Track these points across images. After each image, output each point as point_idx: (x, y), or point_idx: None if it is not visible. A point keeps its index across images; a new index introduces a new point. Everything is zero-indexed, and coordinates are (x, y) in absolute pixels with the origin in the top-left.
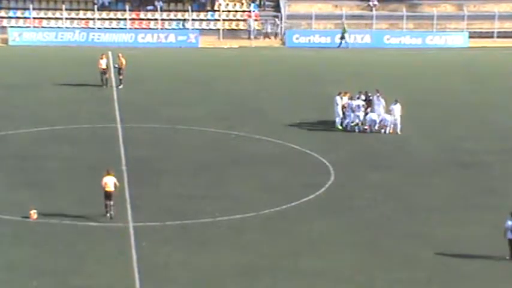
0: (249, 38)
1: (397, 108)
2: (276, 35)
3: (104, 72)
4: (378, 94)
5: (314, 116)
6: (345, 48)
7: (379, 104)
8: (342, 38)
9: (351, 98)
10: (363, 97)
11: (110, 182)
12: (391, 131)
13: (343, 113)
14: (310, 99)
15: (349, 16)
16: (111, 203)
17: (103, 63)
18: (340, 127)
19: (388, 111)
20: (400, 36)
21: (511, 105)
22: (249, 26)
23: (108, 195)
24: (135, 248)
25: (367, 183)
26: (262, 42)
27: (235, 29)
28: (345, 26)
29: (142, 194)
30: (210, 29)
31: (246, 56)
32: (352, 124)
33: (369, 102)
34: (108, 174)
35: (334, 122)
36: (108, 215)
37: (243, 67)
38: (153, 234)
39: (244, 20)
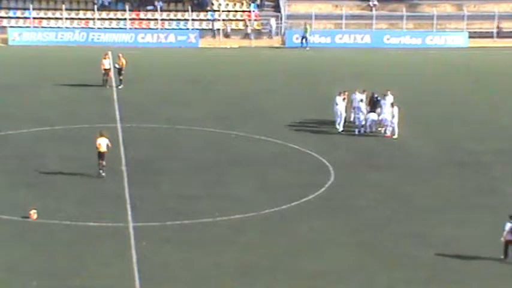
0: (270, 38)
1: (394, 111)
2: (247, 35)
3: (107, 73)
4: (384, 94)
5: (314, 116)
6: (303, 47)
7: (384, 104)
8: (304, 38)
9: (344, 99)
10: (361, 96)
11: (103, 143)
12: (388, 134)
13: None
14: (310, 99)
15: (349, 16)
16: (104, 163)
17: (106, 64)
18: (339, 128)
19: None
20: (400, 36)
21: (511, 105)
22: (270, 26)
23: (101, 156)
24: (135, 248)
25: (367, 183)
26: (262, 42)
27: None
28: (307, 26)
29: (143, 194)
30: (210, 29)
31: (246, 56)
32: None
33: (371, 103)
34: (102, 135)
35: (334, 123)
36: (101, 171)
37: (243, 67)
38: (153, 234)
39: (243, 20)
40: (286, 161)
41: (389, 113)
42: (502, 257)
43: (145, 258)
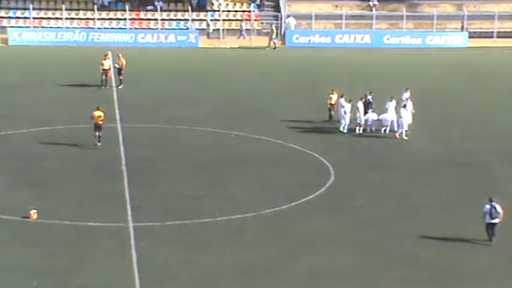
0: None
1: (393, 105)
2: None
3: (106, 73)
4: (391, 96)
5: (314, 116)
6: (271, 48)
7: (407, 106)
8: (271, 39)
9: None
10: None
11: (97, 116)
12: (397, 135)
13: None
14: (310, 99)
15: (349, 16)
16: (100, 133)
17: (105, 64)
18: (343, 130)
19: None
20: (400, 36)
21: (511, 105)
22: (290, 25)
23: (97, 127)
24: (135, 248)
25: (367, 183)
26: (262, 42)
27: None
28: (273, 27)
29: (143, 194)
30: (209, 29)
31: (246, 56)
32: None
33: (366, 104)
34: (98, 109)
35: (338, 124)
36: (97, 142)
37: (243, 67)
38: (153, 234)
39: (241, 21)
40: (286, 161)
41: (409, 115)
42: (488, 241)
43: (145, 258)
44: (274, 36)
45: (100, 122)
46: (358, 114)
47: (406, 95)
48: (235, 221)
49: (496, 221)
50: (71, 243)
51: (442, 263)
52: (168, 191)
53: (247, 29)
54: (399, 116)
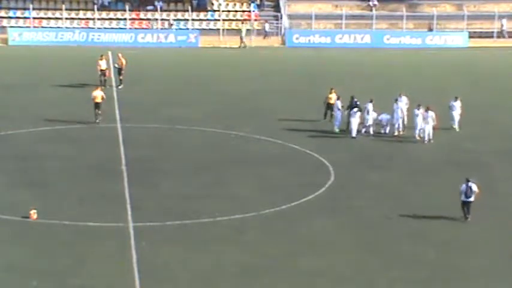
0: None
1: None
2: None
3: (103, 73)
4: (399, 98)
5: (314, 116)
6: (243, 48)
7: (398, 108)
8: (241, 38)
9: (338, 98)
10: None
11: (98, 95)
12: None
13: (329, 113)
14: (310, 99)
15: (349, 16)
16: (99, 112)
17: (102, 65)
18: (337, 130)
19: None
20: (400, 36)
21: (511, 105)
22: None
23: (96, 105)
24: (135, 248)
25: (367, 183)
26: (262, 42)
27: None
28: (243, 27)
29: (143, 194)
30: (210, 29)
31: (246, 56)
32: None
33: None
34: (97, 89)
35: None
36: (97, 121)
37: (243, 67)
38: (153, 234)
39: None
40: (286, 161)
41: (433, 120)
42: (463, 219)
43: (145, 258)
44: (243, 35)
45: (99, 101)
46: (366, 116)
47: (457, 104)
48: (235, 221)
49: (470, 199)
50: (71, 243)
51: (442, 263)
52: (168, 191)
53: (247, 29)
54: (423, 119)
